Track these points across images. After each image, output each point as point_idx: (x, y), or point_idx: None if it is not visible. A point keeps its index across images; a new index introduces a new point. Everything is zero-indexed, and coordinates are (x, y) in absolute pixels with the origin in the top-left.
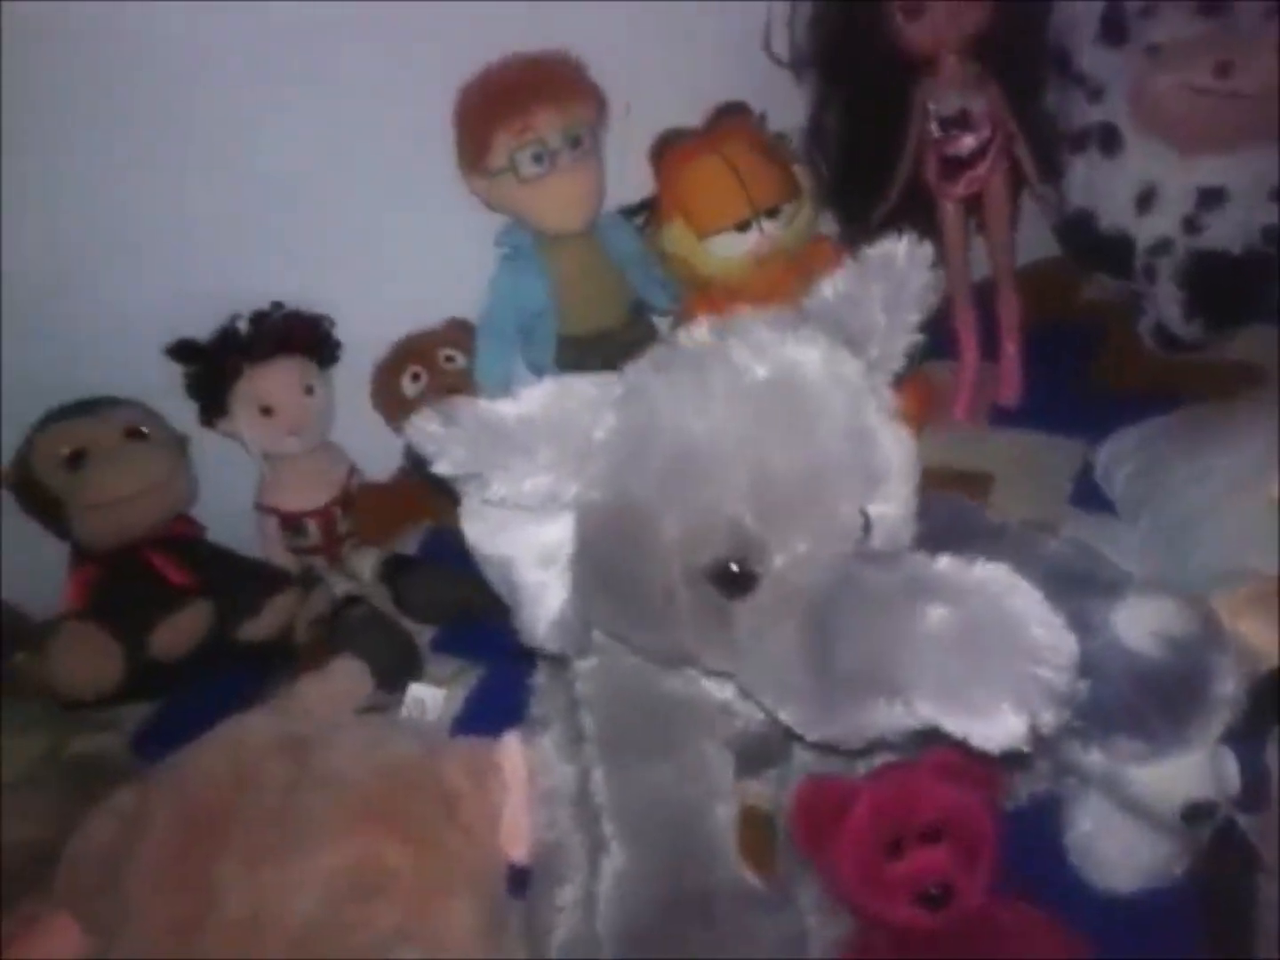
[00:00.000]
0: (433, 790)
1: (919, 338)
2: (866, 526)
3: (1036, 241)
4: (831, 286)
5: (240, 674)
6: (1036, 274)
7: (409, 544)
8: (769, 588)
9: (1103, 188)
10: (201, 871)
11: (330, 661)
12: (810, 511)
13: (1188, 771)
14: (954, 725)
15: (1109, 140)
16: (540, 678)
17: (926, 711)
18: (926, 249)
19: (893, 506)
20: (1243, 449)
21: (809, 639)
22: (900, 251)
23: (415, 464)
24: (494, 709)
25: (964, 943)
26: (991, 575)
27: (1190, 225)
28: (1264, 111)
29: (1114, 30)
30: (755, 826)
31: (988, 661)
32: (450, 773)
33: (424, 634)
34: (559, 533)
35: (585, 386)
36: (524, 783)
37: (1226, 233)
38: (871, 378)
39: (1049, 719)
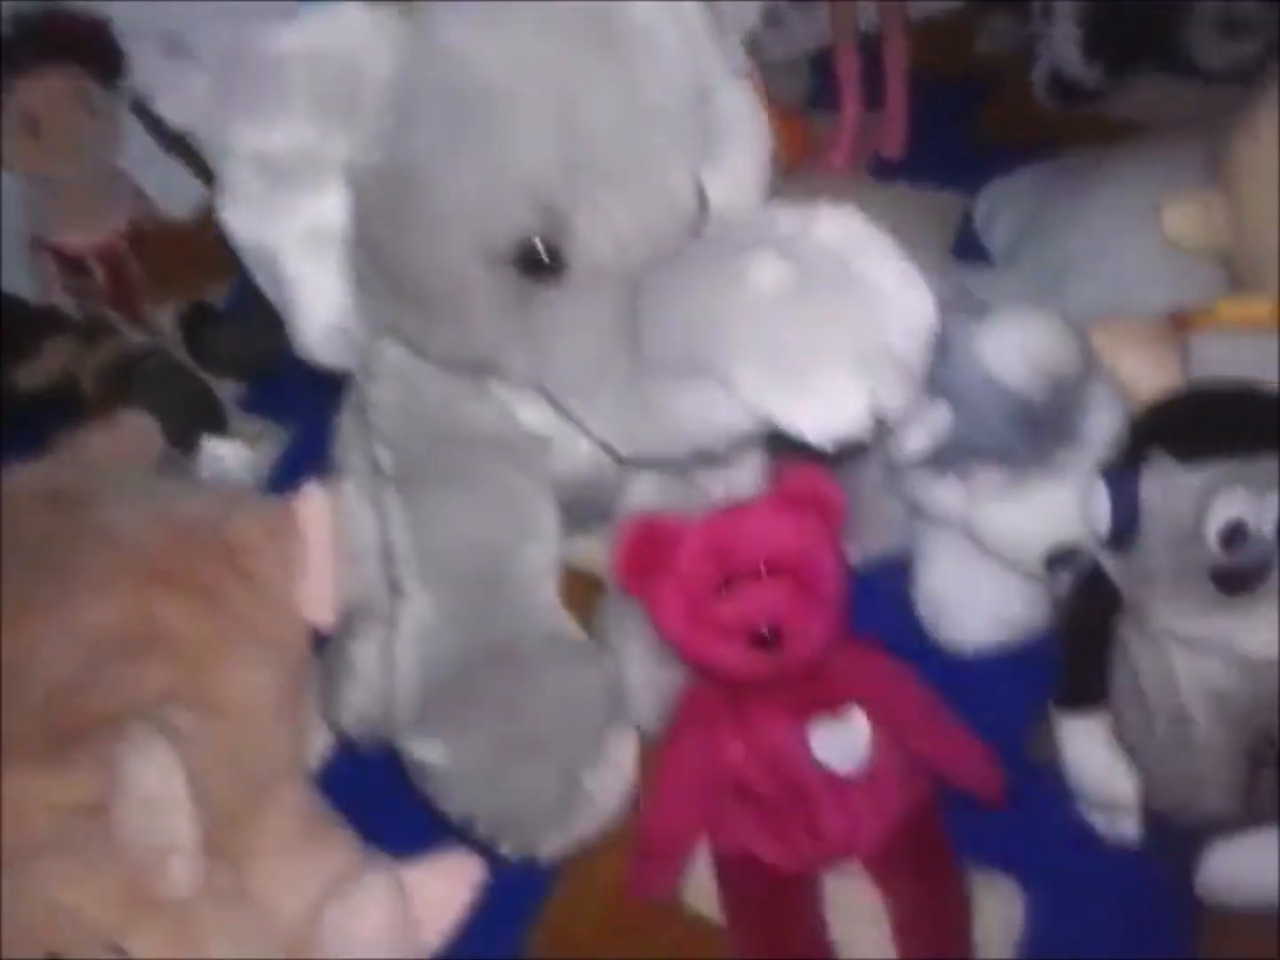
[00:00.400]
0: (220, 545)
1: None
2: (702, 204)
3: None
4: None
5: (19, 428)
6: (929, 24)
7: (215, 294)
8: (579, 267)
9: None
10: None
11: (117, 415)
12: (629, 172)
13: (1053, 512)
14: (781, 407)
15: None
16: (343, 419)
17: (750, 391)
18: None
19: (733, 184)
20: (1127, 189)
21: (619, 321)
22: None
23: (145, 120)
24: (305, 469)
25: (801, 690)
26: (841, 228)
27: None
28: None
29: None
30: (584, 587)
31: (825, 325)
32: (241, 527)
33: (231, 391)
34: (330, 210)
35: (356, 14)
36: (326, 536)
37: None
38: (720, 34)
39: (895, 396)
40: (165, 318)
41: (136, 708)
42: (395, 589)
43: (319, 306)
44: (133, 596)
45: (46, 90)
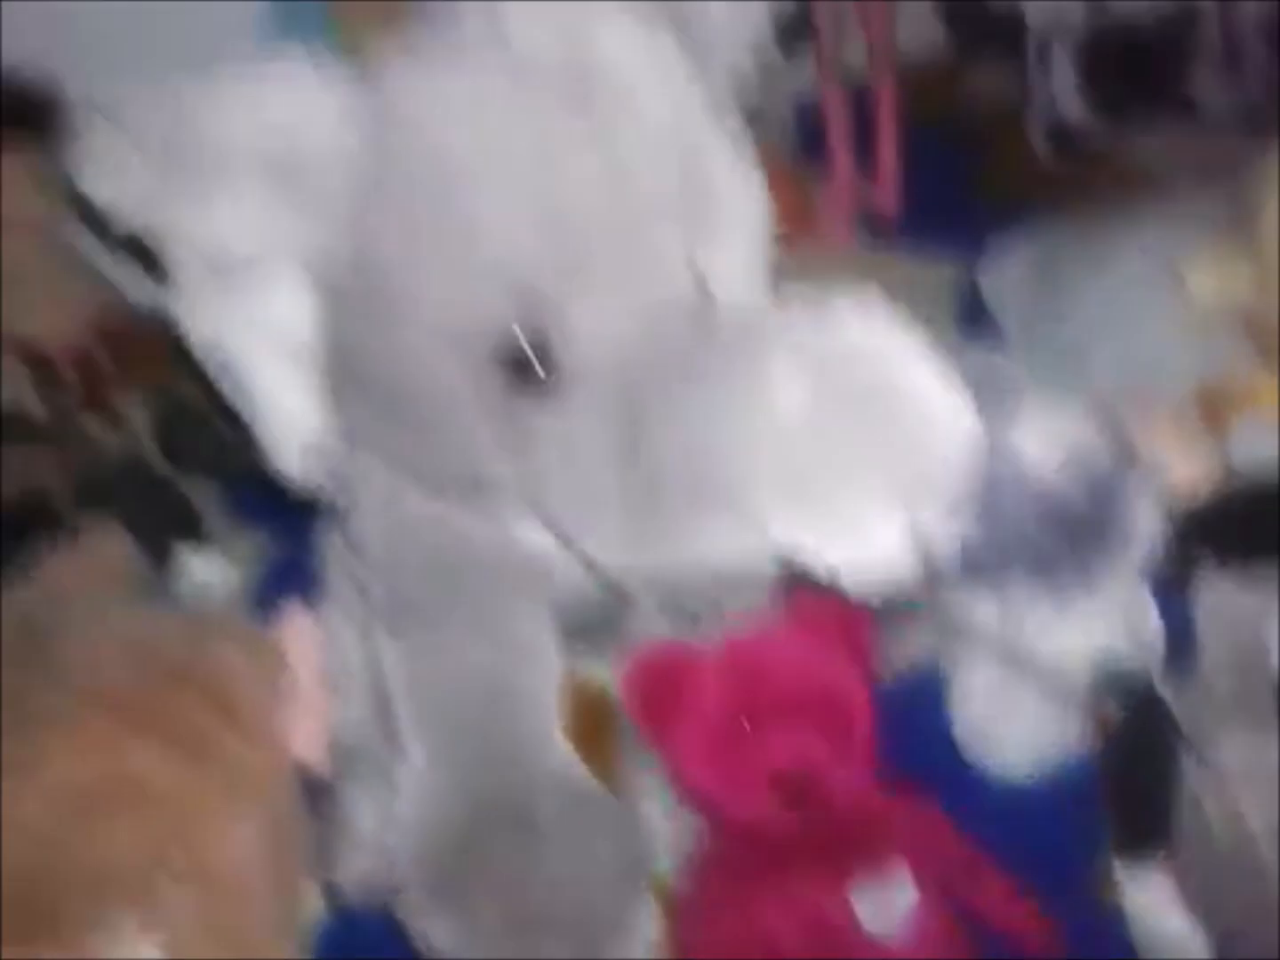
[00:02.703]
0: (203, 681)
1: (765, 27)
2: (702, 290)
3: (916, 38)
4: None
5: None
6: (917, 69)
7: (189, 388)
8: (570, 368)
9: None
10: None
11: (86, 529)
12: (618, 254)
13: (1098, 626)
14: (808, 540)
15: None
16: (329, 537)
17: (776, 527)
18: None
19: (733, 263)
20: (1144, 250)
21: (618, 432)
22: None
23: (77, 206)
24: (287, 583)
25: (838, 844)
26: (865, 330)
27: None
28: None
29: None
30: (591, 709)
31: (857, 449)
32: (225, 659)
33: (208, 495)
34: (293, 309)
35: (308, 79)
36: (312, 664)
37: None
38: (704, 82)
39: (940, 527)
40: (130, 406)
41: (116, 876)
42: (391, 738)
43: (289, 419)
44: (107, 744)
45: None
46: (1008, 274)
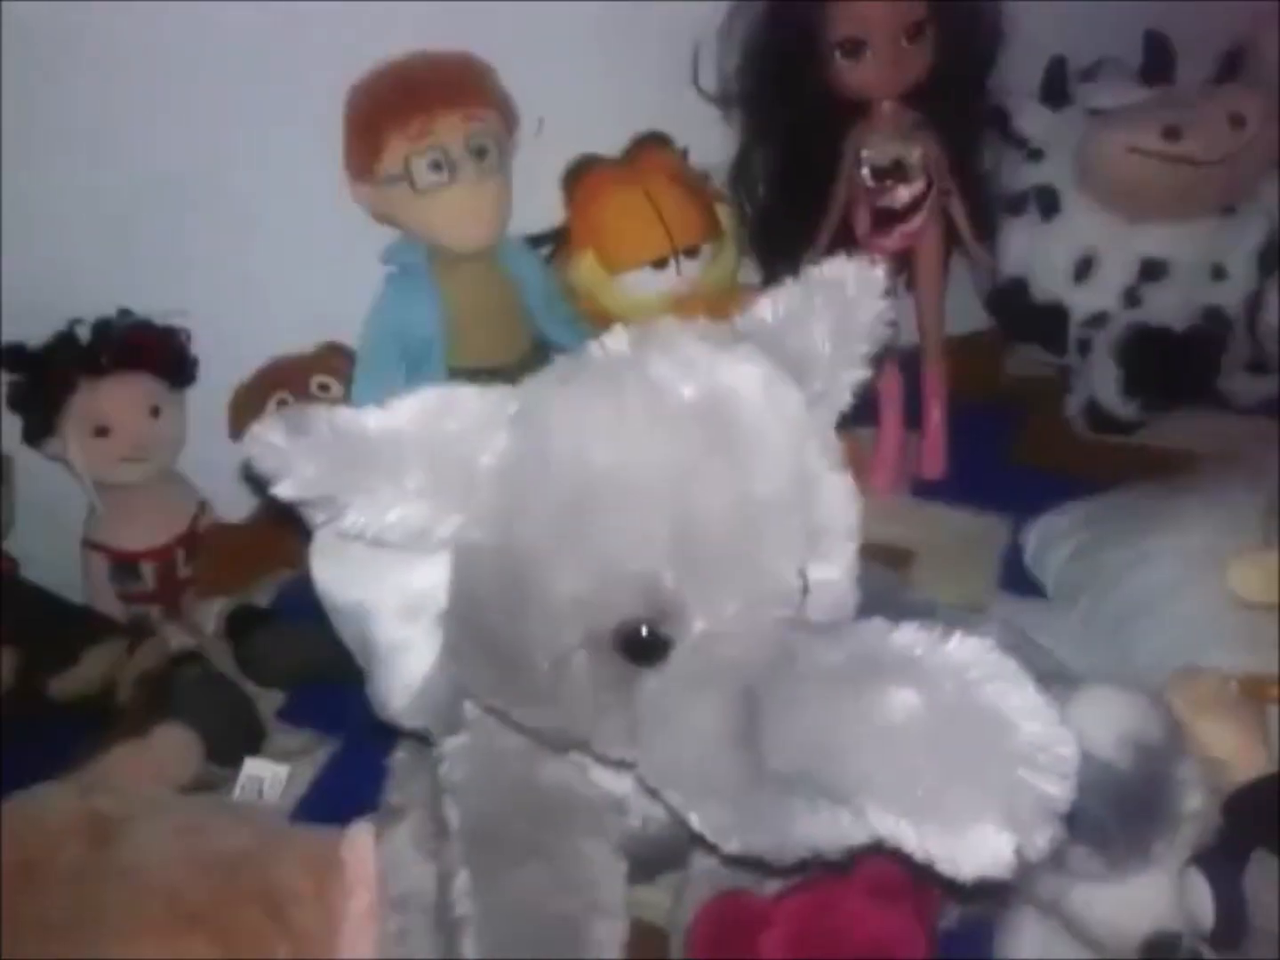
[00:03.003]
0: (261, 889)
1: (866, 373)
2: (804, 590)
3: (963, 314)
4: (771, 306)
5: (50, 735)
6: (962, 345)
7: (262, 595)
8: (686, 656)
9: (1039, 254)
10: None
11: (153, 728)
12: (740, 566)
13: (1150, 897)
14: (918, 844)
15: (1048, 203)
16: (400, 757)
17: (883, 824)
18: (878, 273)
19: (834, 568)
20: (1189, 534)
21: (734, 724)
22: (850, 274)
23: (255, 485)
24: (346, 792)
25: None
26: (970, 652)
27: (1130, 298)
28: (1212, 180)
29: (1056, 92)
30: (647, 943)
31: (967, 763)
32: (284, 869)
33: (270, 699)
34: (429, 579)
35: (472, 399)
36: (373, 883)
37: (1168, 308)
38: (813, 415)
39: (1041, 841)
40: (204, 612)
41: None
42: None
43: (406, 670)
44: (161, 945)
45: (118, 395)
46: (1048, 541)
